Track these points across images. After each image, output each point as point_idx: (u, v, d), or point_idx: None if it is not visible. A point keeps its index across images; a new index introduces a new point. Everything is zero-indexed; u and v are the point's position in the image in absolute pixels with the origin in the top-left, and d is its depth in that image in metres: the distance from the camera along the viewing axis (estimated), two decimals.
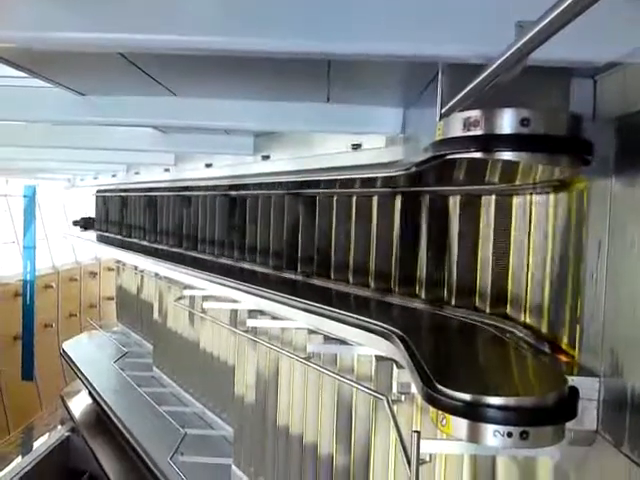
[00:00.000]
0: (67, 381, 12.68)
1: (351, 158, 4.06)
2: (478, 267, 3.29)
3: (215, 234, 6.86)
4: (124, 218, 10.47)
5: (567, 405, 1.95)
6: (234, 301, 5.50)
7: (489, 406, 1.85)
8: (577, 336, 2.27)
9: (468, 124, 1.93)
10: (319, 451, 4.64)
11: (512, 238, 3.02)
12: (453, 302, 3.46)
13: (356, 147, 3.98)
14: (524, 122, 1.86)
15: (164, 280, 8.41)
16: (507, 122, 1.87)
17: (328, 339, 4.31)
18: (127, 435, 7.47)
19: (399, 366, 3.33)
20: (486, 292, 3.21)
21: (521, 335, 2.80)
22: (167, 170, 7.51)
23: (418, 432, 2.37)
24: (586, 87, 2.19)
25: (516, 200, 2.99)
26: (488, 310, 3.19)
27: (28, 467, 9.75)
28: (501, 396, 1.86)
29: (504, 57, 1.43)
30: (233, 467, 5.93)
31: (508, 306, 3.05)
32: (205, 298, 6.44)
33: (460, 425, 1.89)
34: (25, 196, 15.92)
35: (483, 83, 1.64)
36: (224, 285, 5.38)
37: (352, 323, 3.50)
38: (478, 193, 3.28)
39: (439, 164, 2.34)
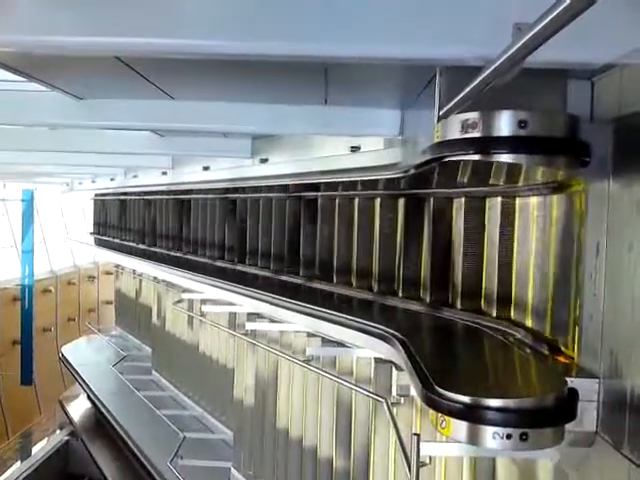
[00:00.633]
0: (66, 385, 12.67)
1: (350, 160, 4.06)
2: (477, 269, 3.29)
3: (214, 237, 6.85)
4: (122, 222, 10.46)
5: (566, 407, 1.95)
6: (232, 304, 5.50)
7: (488, 408, 1.84)
8: (576, 337, 2.27)
9: (466, 126, 1.93)
10: (319, 454, 4.64)
11: (509, 240, 3.02)
12: (451, 303, 3.46)
13: (354, 149, 3.98)
14: (522, 124, 1.86)
15: (162, 284, 8.41)
16: (505, 124, 1.88)
17: (327, 342, 4.31)
18: (126, 439, 7.46)
19: (398, 368, 3.34)
20: (483, 294, 3.21)
21: (520, 337, 2.80)
22: (165, 173, 7.51)
23: (418, 435, 2.37)
24: (583, 89, 2.20)
25: (514, 202, 2.99)
26: (485, 312, 3.18)
27: (27, 472, 9.73)
28: (500, 398, 1.86)
29: (502, 59, 1.43)
30: (232, 470, 5.92)
31: (506, 308, 3.04)
32: (204, 301, 6.43)
33: (460, 427, 1.89)
34: (23, 200, 15.89)
35: (481, 85, 1.64)
36: (222, 288, 5.37)
37: (351, 325, 3.50)
38: (476, 195, 3.28)
39: (437, 166, 2.34)
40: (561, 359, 2.37)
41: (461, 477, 3.21)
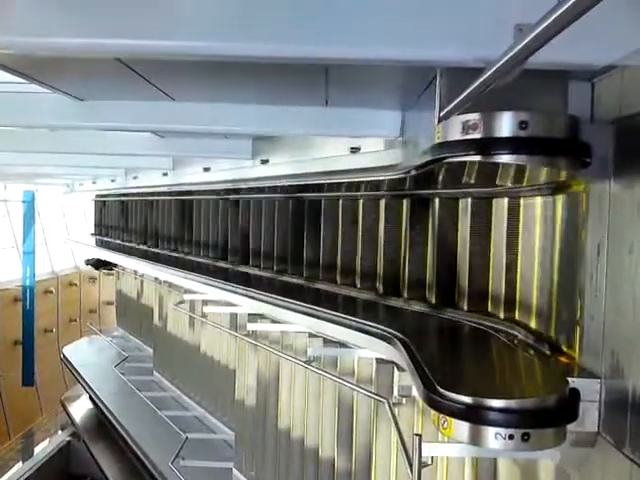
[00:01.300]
0: (67, 386, 12.68)
1: (350, 161, 4.06)
2: (478, 269, 3.29)
3: (215, 238, 6.85)
4: (123, 223, 10.46)
5: (568, 407, 1.95)
6: (234, 305, 5.50)
7: (490, 409, 1.84)
8: (577, 338, 2.27)
9: (467, 127, 1.94)
10: (320, 454, 4.64)
11: (509, 241, 3.02)
12: (448, 304, 3.46)
13: (355, 150, 3.98)
14: (522, 125, 1.86)
15: (164, 284, 8.41)
16: (506, 125, 1.88)
17: (328, 342, 4.31)
18: (128, 440, 7.46)
19: (400, 369, 3.34)
20: (483, 295, 3.21)
21: (521, 337, 2.80)
22: (165, 174, 7.51)
23: (420, 435, 2.37)
24: (584, 90, 2.20)
25: (514, 203, 2.99)
26: (486, 312, 3.18)
27: (29, 472, 9.75)
28: (502, 399, 1.86)
29: (503, 61, 1.43)
30: (234, 471, 5.92)
31: (507, 309, 3.04)
32: (205, 302, 6.44)
33: (461, 428, 1.89)
34: (24, 201, 15.91)
35: (481, 86, 1.64)
36: (224, 289, 5.38)
37: (352, 326, 3.50)
38: (476, 196, 3.28)
39: (438, 167, 2.34)
40: (563, 359, 2.37)
41: (463, 478, 3.21)
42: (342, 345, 4.16)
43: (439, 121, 2.15)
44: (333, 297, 4.48)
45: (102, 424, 8.86)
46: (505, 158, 1.93)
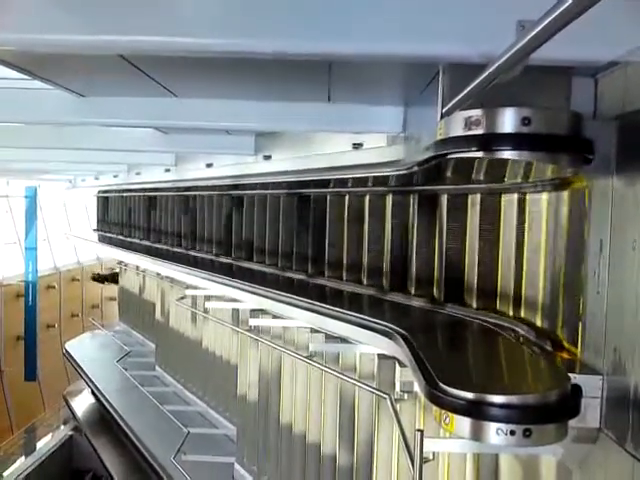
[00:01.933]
0: (70, 381, 12.71)
1: (353, 157, 4.05)
2: (484, 266, 3.28)
3: (217, 234, 6.86)
4: (125, 218, 10.48)
5: (570, 403, 1.95)
6: (236, 300, 5.51)
7: (492, 404, 1.85)
8: (580, 334, 2.27)
9: (469, 123, 1.93)
10: (322, 450, 4.65)
11: (513, 237, 3.02)
12: (458, 301, 3.46)
13: (357, 146, 3.98)
14: (525, 121, 1.86)
15: (166, 280, 8.42)
16: (508, 121, 1.88)
17: (330, 338, 4.32)
18: (130, 434, 7.48)
19: (402, 365, 3.34)
20: (486, 290, 3.21)
21: (523, 333, 2.80)
22: (168, 170, 7.52)
23: (421, 431, 2.38)
24: (587, 86, 2.19)
25: (516, 198, 2.98)
26: (488, 308, 3.18)
27: (32, 467, 9.77)
28: (504, 394, 1.87)
29: (505, 57, 1.43)
30: (236, 466, 5.94)
31: (509, 305, 3.05)
32: (207, 297, 6.45)
33: (463, 424, 1.90)
34: (26, 197, 15.93)
35: (484, 82, 1.64)
36: (226, 285, 5.39)
37: (354, 322, 3.50)
38: (478, 192, 3.28)
39: (440, 163, 2.34)
40: (565, 355, 2.38)
41: (464, 473, 3.22)
42: (344, 341, 4.17)
43: (441, 117, 2.15)
44: (337, 293, 4.49)
45: (104, 419, 8.88)
46: (507, 154, 1.93)
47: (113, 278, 12.41)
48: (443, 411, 1.94)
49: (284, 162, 5.06)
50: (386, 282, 4.16)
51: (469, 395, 1.88)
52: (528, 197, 2.87)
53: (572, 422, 1.95)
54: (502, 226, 3.10)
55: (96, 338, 12.13)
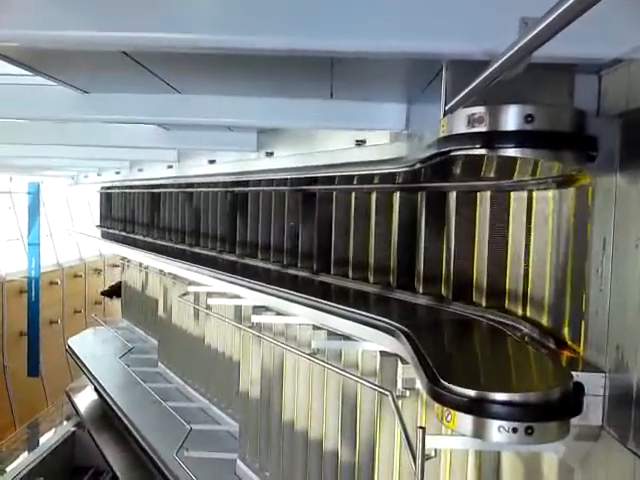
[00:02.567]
0: (73, 377, 12.74)
1: (355, 154, 4.05)
2: (485, 262, 3.28)
3: (220, 230, 6.86)
4: (128, 215, 10.49)
5: (572, 401, 1.95)
6: (238, 297, 5.51)
7: (494, 402, 1.85)
8: (582, 332, 2.27)
9: (472, 120, 1.93)
10: (324, 446, 4.65)
11: (516, 234, 3.01)
12: (454, 297, 3.46)
13: (360, 143, 3.97)
14: (528, 118, 1.85)
15: (169, 276, 8.43)
16: (511, 118, 1.87)
17: (332, 334, 4.32)
18: (132, 430, 7.50)
19: (404, 362, 3.34)
20: (489, 288, 3.20)
21: (526, 331, 2.80)
22: (170, 167, 7.52)
23: (423, 428, 2.38)
24: (590, 83, 2.19)
25: (519, 196, 2.98)
26: (491, 305, 3.18)
27: (34, 462, 9.80)
28: (506, 392, 1.86)
29: (509, 54, 1.43)
30: (238, 462, 5.95)
31: (511, 302, 3.04)
32: (210, 294, 6.45)
33: (465, 421, 1.90)
34: (29, 193, 15.96)
35: (487, 80, 1.64)
36: (229, 281, 5.39)
37: (356, 319, 3.50)
38: (481, 189, 3.28)
39: (443, 160, 2.33)
40: (567, 353, 2.37)
41: (466, 470, 3.22)
42: (346, 338, 4.17)
43: (445, 114, 2.14)
44: (342, 291, 4.49)
45: (107, 415, 8.91)
46: (511, 152, 1.92)
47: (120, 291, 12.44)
48: (445, 408, 1.94)
49: (286, 159, 5.05)
50: (372, 278, 4.18)
51: (471, 392, 1.88)
52: (532, 194, 2.87)
53: (574, 420, 1.95)
54: (507, 223, 3.09)
55: (99, 334, 12.15)
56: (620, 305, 2.02)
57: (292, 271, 5.31)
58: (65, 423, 11.32)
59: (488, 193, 3.22)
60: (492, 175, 3.01)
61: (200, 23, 2.02)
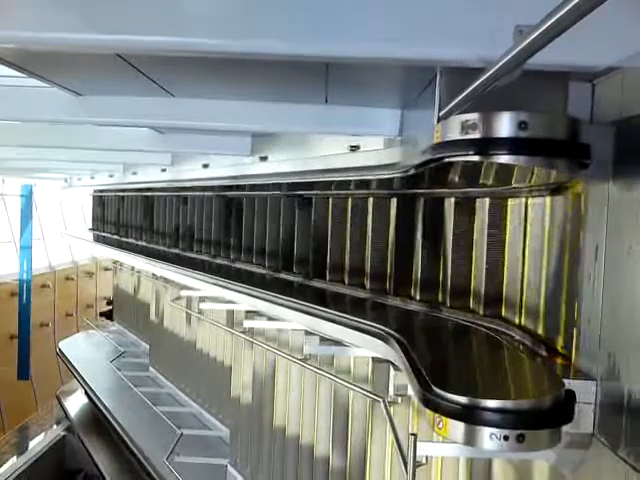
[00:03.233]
0: (63, 380, 12.66)
1: (349, 160, 4.05)
2: (478, 270, 3.29)
3: (213, 235, 6.85)
4: (121, 218, 10.45)
5: (564, 408, 1.95)
6: (231, 302, 5.50)
7: (485, 409, 1.84)
8: (574, 339, 2.27)
9: (466, 127, 1.93)
10: (315, 452, 4.64)
11: (509, 241, 3.02)
12: (448, 303, 3.46)
13: (354, 149, 3.98)
14: (522, 125, 1.86)
15: (161, 280, 8.40)
16: (505, 125, 1.87)
17: (325, 340, 4.31)
18: (123, 435, 7.45)
19: (396, 368, 3.34)
20: (482, 295, 3.21)
21: (518, 338, 2.80)
22: (164, 170, 7.50)
23: (415, 434, 2.37)
24: (584, 91, 2.19)
25: (512, 202, 2.99)
26: (484, 312, 3.19)
27: (23, 467, 9.72)
28: (498, 399, 1.86)
29: (503, 61, 1.43)
30: (229, 467, 5.92)
31: (503, 309, 3.05)
32: (202, 299, 6.44)
33: (457, 428, 1.89)
34: (22, 195, 15.89)
35: (481, 86, 1.64)
36: (221, 286, 5.38)
37: (349, 325, 3.50)
38: (475, 195, 3.28)
39: (437, 167, 2.34)
40: (559, 361, 2.38)
41: (457, 477, 3.21)
42: (338, 344, 4.16)
43: (438, 120, 2.15)
44: (336, 296, 4.48)
45: (97, 419, 8.85)
46: (504, 159, 1.92)
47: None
48: (437, 415, 1.93)
49: (280, 163, 5.05)
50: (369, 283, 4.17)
51: (463, 399, 1.88)
52: (524, 202, 2.87)
53: (565, 427, 1.94)
54: (495, 231, 3.10)
55: (90, 338, 12.09)
56: (612, 312, 2.02)
57: (285, 276, 5.30)
58: (55, 427, 11.24)
59: (481, 200, 3.23)
60: (484, 182, 3.02)
61: (196, 27, 2.01)
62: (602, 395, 2.07)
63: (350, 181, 4.31)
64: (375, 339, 3.13)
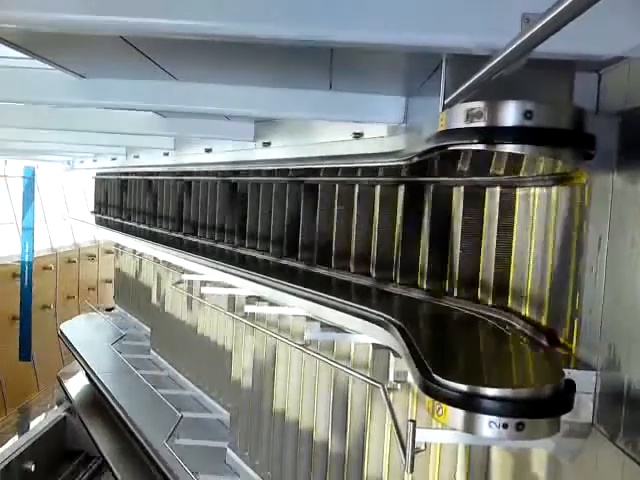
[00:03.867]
0: (64, 362, 12.73)
1: (353, 146, 4.04)
2: (480, 259, 3.28)
3: (215, 219, 6.85)
4: (123, 201, 10.45)
5: (563, 398, 1.96)
6: (232, 287, 5.51)
7: (485, 397, 1.85)
8: (575, 329, 2.27)
9: (471, 115, 1.92)
10: (314, 437, 4.67)
11: (514, 231, 3.02)
12: (455, 293, 3.46)
13: (358, 136, 3.96)
14: (527, 114, 1.85)
15: (163, 264, 8.42)
16: (510, 114, 1.86)
17: (325, 326, 4.32)
18: (123, 417, 7.50)
19: (396, 355, 3.35)
20: (487, 284, 3.21)
21: (519, 327, 2.80)
22: (167, 154, 7.49)
23: (414, 421, 2.39)
24: (590, 81, 2.18)
25: (518, 192, 2.98)
26: (489, 302, 3.19)
27: (24, 446, 9.81)
28: (497, 387, 1.87)
29: (509, 49, 1.42)
30: (228, 450, 5.96)
31: (505, 298, 3.05)
32: (203, 283, 6.45)
33: (456, 415, 1.90)
34: (24, 177, 15.87)
35: (487, 75, 1.63)
36: (223, 271, 5.38)
37: (350, 311, 3.50)
38: (480, 184, 3.27)
39: (441, 155, 2.33)
40: (560, 350, 2.38)
41: (455, 464, 3.24)
42: (339, 330, 4.17)
43: (443, 108, 2.14)
44: (342, 284, 4.47)
45: (98, 401, 8.91)
46: (509, 148, 1.92)
47: None
48: (436, 402, 1.94)
49: (283, 149, 5.04)
50: (374, 271, 4.17)
51: (463, 387, 1.89)
52: (528, 191, 2.87)
53: (565, 417, 1.95)
54: (500, 220, 3.10)
55: (91, 320, 12.14)
56: (613, 304, 2.03)
57: (287, 262, 5.30)
58: (56, 408, 11.32)
59: (486, 190, 3.22)
60: (488, 171, 3.01)
61: (198, 9, 2.00)
62: (602, 385, 2.08)
63: (355, 168, 4.29)
64: (375, 325, 3.14)
